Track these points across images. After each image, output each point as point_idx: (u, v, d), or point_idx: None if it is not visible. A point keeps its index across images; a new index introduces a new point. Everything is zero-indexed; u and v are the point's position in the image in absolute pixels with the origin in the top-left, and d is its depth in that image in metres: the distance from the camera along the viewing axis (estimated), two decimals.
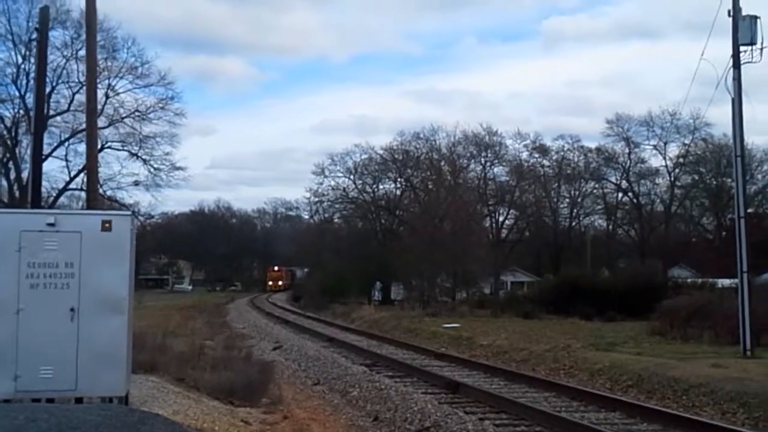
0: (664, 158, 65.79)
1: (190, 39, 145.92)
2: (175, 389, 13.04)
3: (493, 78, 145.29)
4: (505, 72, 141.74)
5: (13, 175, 42.54)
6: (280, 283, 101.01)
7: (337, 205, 71.00)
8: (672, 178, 66.11)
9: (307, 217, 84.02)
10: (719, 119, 70.35)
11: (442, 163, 64.20)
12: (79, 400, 9.58)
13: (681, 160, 65.00)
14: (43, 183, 38.74)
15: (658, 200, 68.70)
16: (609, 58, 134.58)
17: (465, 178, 63.60)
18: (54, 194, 43.32)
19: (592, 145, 69.83)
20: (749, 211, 48.70)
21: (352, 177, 68.35)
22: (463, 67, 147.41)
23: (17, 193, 40.26)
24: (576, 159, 69.75)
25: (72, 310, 9.54)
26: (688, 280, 42.46)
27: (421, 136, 65.48)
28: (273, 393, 15.07)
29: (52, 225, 9.62)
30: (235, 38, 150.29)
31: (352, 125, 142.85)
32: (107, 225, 9.73)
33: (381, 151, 67.03)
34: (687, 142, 64.22)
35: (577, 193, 69.61)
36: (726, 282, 33.02)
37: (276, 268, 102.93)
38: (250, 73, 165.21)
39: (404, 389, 14.47)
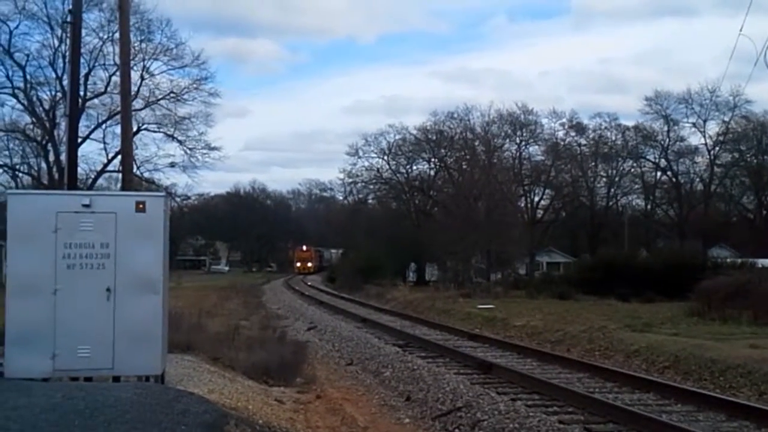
0: (704, 136, 64.76)
1: (220, 22, 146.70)
2: (211, 368, 13.23)
3: (523, 56, 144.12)
4: (535, 50, 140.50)
5: (52, 158, 43.29)
6: (309, 264, 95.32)
7: (371, 186, 71.20)
8: (712, 157, 65.02)
9: (341, 198, 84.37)
10: (760, 96, 69.00)
11: (477, 143, 63.86)
12: (116, 379, 9.78)
13: (721, 138, 63.86)
14: (82, 165, 39.60)
15: (698, 179, 67.68)
16: (641, 36, 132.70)
17: (500, 157, 63.17)
18: (92, 176, 44.07)
19: (629, 123, 68.97)
20: None
21: (385, 157, 68.49)
22: (494, 45, 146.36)
23: (56, 176, 40.93)
24: (613, 137, 68.96)
25: (108, 290, 9.70)
26: (728, 260, 41.80)
27: (455, 115, 65.31)
28: (307, 373, 15.23)
29: (87, 206, 9.78)
30: (265, 20, 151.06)
31: (383, 106, 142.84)
32: (141, 206, 9.86)
33: (415, 132, 67.08)
34: (727, 119, 63.13)
35: (614, 172, 68.78)
36: (766, 262, 32.46)
37: (305, 247, 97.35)
38: (280, 55, 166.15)
39: (437, 370, 14.51)
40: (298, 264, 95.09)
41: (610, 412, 10.32)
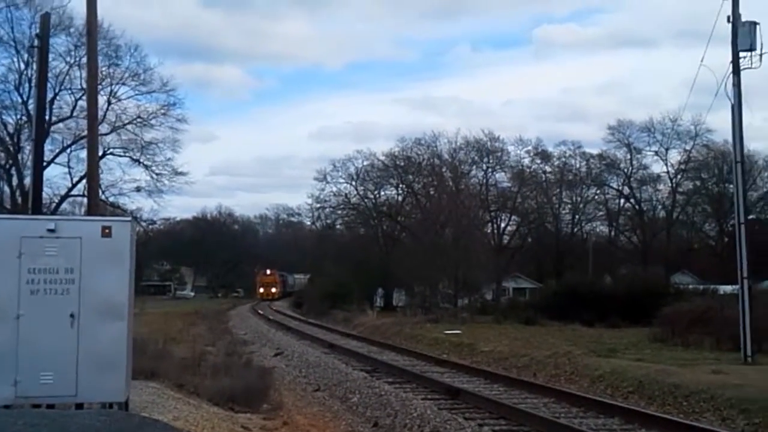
0: (666, 164, 65.96)
1: (186, 47, 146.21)
2: (176, 395, 13.07)
3: (487, 85, 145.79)
4: (499, 79, 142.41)
5: (15, 182, 42.61)
6: (273, 290, 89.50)
7: (339, 212, 71.22)
8: (673, 184, 66.19)
9: (309, 223, 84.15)
10: (720, 125, 70.61)
11: (444, 169, 64.33)
12: (79, 406, 9.59)
13: (682, 166, 65.08)
14: (46, 189, 38.97)
15: (660, 206, 68.81)
16: (602, 66, 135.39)
17: (467, 184, 63.69)
18: (56, 201, 43.43)
19: (593, 151, 70.05)
20: (750, 217, 48.75)
21: (353, 183, 68.67)
22: (458, 74, 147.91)
23: (19, 200, 40.32)
24: (577, 165, 69.95)
25: (72, 315, 9.56)
26: (690, 287, 42.46)
27: (422, 142, 65.79)
28: (273, 399, 15.09)
29: (52, 231, 9.65)
30: (231, 46, 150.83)
31: (350, 132, 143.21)
32: (107, 231, 9.76)
33: (382, 157, 67.37)
34: (688, 148, 64.39)
35: (578, 199, 69.68)
36: (728, 288, 33.00)
37: (268, 271, 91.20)
38: (246, 81, 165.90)
39: (404, 395, 14.48)
40: (261, 290, 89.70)
41: None
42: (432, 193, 62.51)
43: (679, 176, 65.85)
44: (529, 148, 68.34)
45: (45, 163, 42.27)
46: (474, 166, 66.19)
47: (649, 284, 39.40)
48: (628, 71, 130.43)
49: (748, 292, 19.51)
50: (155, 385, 13.46)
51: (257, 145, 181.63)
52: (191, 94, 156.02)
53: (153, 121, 45.39)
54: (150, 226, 54.62)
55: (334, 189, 68.43)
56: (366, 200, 69.07)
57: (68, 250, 9.61)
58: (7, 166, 43.71)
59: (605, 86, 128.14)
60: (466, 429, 10.97)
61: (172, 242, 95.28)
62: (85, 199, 18.17)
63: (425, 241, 52.89)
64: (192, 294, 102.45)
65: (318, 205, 70.27)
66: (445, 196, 58.37)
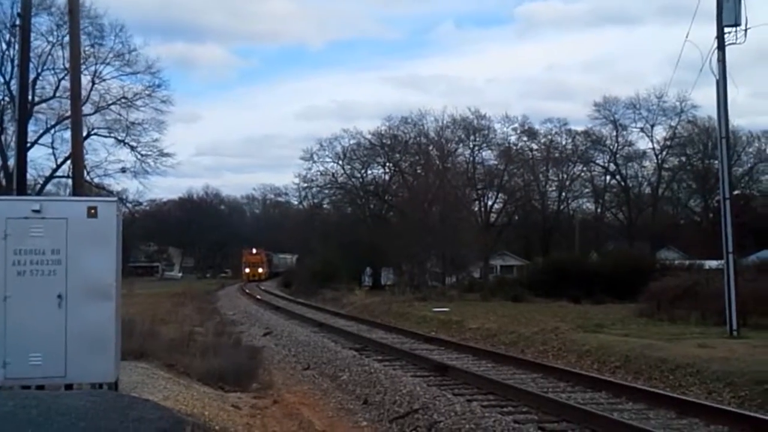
0: (651, 141, 66.27)
1: (169, 26, 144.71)
2: (165, 375, 13.07)
3: (472, 63, 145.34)
4: (483, 57, 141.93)
5: None
6: (260, 270, 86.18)
7: (326, 191, 71.15)
8: (659, 161, 66.51)
9: (296, 203, 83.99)
10: (705, 102, 70.74)
11: (431, 148, 64.31)
12: (68, 387, 9.59)
13: (668, 142, 65.39)
14: (30, 171, 38.67)
15: (646, 183, 69.20)
16: (586, 44, 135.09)
17: (453, 162, 63.74)
18: (41, 182, 43.14)
19: (579, 128, 70.21)
20: (735, 192, 49.11)
21: (340, 162, 68.58)
22: (443, 52, 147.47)
23: (3, 181, 39.99)
24: (564, 142, 70.17)
25: (59, 296, 9.52)
26: (676, 262, 42.78)
27: (409, 120, 65.75)
28: (263, 378, 15.13)
29: (37, 212, 9.58)
30: (214, 25, 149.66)
31: (335, 111, 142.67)
32: (93, 211, 9.70)
33: (369, 136, 67.24)
34: (673, 124, 64.68)
35: (565, 176, 69.97)
36: (713, 263, 33.28)
37: (254, 250, 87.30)
38: (230, 60, 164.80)
39: (393, 372, 14.56)
40: (247, 270, 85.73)
41: (563, 411, 10.47)
42: (419, 171, 62.52)
43: (664, 152, 66.21)
44: (516, 125, 68.57)
45: (29, 144, 42.04)
46: (461, 144, 66.32)
47: (635, 260, 39.71)
48: (612, 48, 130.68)
49: (733, 267, 19.68)
50: (145, 366, 13.45)
51: (243, 125, 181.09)
52: (175, 74, 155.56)
53: (138, 102, 45.11)
54: (136, 208, 54.39)
55: (321, 168, 68.43)
56: (353, 179, 69.04)
57: (54, 231, 9.55)
58: None
59: (590, 63, 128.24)
60: (455, 405, 11.04)
61: (158, 223, 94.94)
62: (70, 181, 18.06)
63: (413, 220, 52.97)
64: (180, 275, 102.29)
65: (305, 185, 70.28)
66: (432, 175, 58.41)
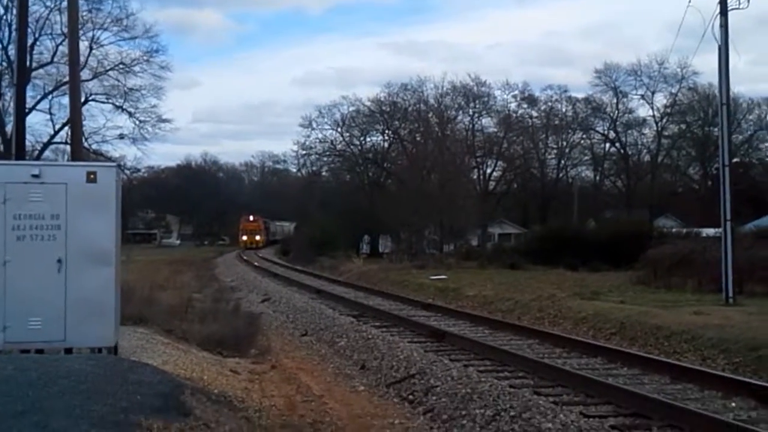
0: (652, 108, 65.94)
1: None
2: (164, 340, 13.20)
3: (472, 29, 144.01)
4: (483, 23, 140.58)
5: None
6: (257, 237, 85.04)
7: (324, 158, 71.00)
8: (659, 128, 66.28)
9: (295, 170, 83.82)
10: (705, 68, 70.18)
11: (430, 115, 64.04)
12: (68, 351, 9.69)
13: (668, 109, 65.08)
14: (28, 137, 38.06)
15: (645, 150, 68.99)
16: (586, 9, 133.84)
17: (453, 129, 63.54)
18: (39, 148, 43.01)
19: (580, 95, 69.88)
20: (734, 160, 49.04)
21: (339, 129, 68.38)
22: (442, 18, 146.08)
23: (2, 147, 39.89)
24: (564, 109, 69.86)
25: (59, 261, 9.59)
26: (673, 230, 42.88)
27: (409, 87, 65.31)
28: (261, 344, 15.28)
29: (36, 176, 9.62)
30: None
31: (334, 77, 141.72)
32: (92, 176, 9.73)
33: (368, 103, 66.88)
34: (674, 91, 64.32)
35: (564, 144, 69.76)
36: (711, 231, 33.37)
37: (251, 217, 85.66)
38: (227, 25, 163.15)
39: (391, 338, 14.69)
40: (245, 237, 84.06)
41: (559, 376, 10.61)
42: (418, 139, 62.34)
43: (664, 120, 65.94)
44: (516, 92, 68.20)
45: (27, 110, 41.87)
46: (460, 112, 66.04)
47: (633, 228, 39.73)
48: (612, 14, 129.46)
49: (730, 235, 19.76)
50: (144, 331, 13.58)
51: (241, 91, 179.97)
52: (172, 40, 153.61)
53: (136, 68, 44.77)
54: (134, 174, 54.35)
55: (320, 135, 68.21)
56: (352, 147, 68.89)
57: (53, 196, 9.59)
58: None
59: (590, 29, 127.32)
60: (451, 370, 11.18)
61: (157, 190, 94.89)
62: (68, 147, 18.03)
63: (411, 188, 52.92)
64: (178, 242, 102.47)
65: (303, 152, 70.07)
66: (432, 142, 58.27)
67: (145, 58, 44.82)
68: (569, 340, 14.32)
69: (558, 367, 11.25)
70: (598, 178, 72.12)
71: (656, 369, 11.36)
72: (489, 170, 67.59)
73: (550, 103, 69.17)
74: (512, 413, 8.80)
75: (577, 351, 13.23)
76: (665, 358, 12.87)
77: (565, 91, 69.78)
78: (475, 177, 65.10)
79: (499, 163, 67.48)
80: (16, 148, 14.42)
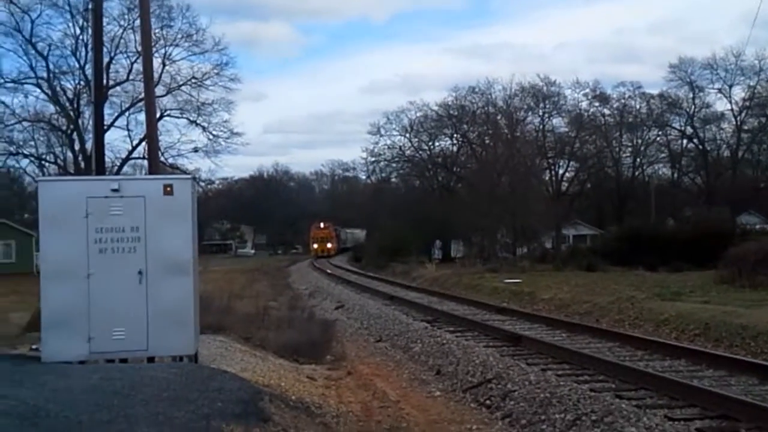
0: (730, 102, 63.86)
1: (233, 5, 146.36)
2: (242, 348, 13.45)
3: (538, 29, 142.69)
4: (549, 22, 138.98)
5: (77, 147, 43.86)
6: (329, 245, 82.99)
7: (393, 164, 71.18)
8: (738, 122, 64.12)
9: (364, 177, 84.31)
10: None
11: (499, 117, 63.57)
12: (150, 360, 9.96)
13: (747, 103, 62.89)
14: (107, 153, 39.38)
15: (725, 146, 66.86)
16: (655, 4, 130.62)
17: (523, 131, 62.88)
18: (118, 164, 44.57)
19: (653, 92, 68.14)
20: None
21: (407, 135, 68.48)
22: (507, 19, 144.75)
23: (83, 164, 41.46)
24: (638, 106, 68.27)
25: (140, 272, 9.86)
26: (757, 227, 41.50)
27: (476, 90, 64.98)
28: (336, 350, 15.41)
29: (116, 191, 9.91)
30: (277, 2, 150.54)
31: (399, 84, 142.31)
32: (169, 189, 9.98)
33: (436, 108, 66.85)
34: (752, 84, 62.13)
35: (639, 141, 68.17)
36: None
37: (322, 224, 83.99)
38: (294, 37, 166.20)
39: (466, 343, 14.60)
40: (315, 245, 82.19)
41: (641, 379, 10.35)
42: (487, 141, 61.97)
43: (743, 113, 63.73)
44: (587, 90, 66.99)
45: (105, 127, 43.40)
46: (530, 113, 65.27)
47: (714, 226, 38.57)
48: (682, 8, 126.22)
49: None
50: (222, 339, 13.86)
51: (308, 101, 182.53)
52: (240, 54, 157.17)
53: (207, 82, 45.97)
54: (209, 186, 55.74)
55: (388, 142, 68.45)
56: (420, 152, 68.93)
57: (133, 209, 9.87)
58: (69, 131, 44.99)
59: (659, 25, 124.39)
60: (529, 374, 11.03)
61: (231, 201, 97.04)
62: (146, 161, 18.65)
63: (482, 191, 52.62)
64: (252, 251, 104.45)
65: (372, 159, 70.39)
66: (501, 144, 57.84)
67: (215, 71, 46.10)
68: (651, 342, 13.96)
69: (640, 369, 10.98)
70: (675, 175, 70.25)
71: (743, 370, 10.97)
72: (561, 171, 66.62)
73: (623, 101, 67.80)
74: (593, 417, 8.62)
75: (659, 353, 12.88)
76: (752, 358, 12.40)
77: (639, 87, 68.32)
78: (547, 178, 64.27)
79: (572, 163, 66.41)
80: (96, 164, 14.93)
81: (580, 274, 33.50)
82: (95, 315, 9.76)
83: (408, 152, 69.08)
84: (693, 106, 65.23)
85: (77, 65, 42.96)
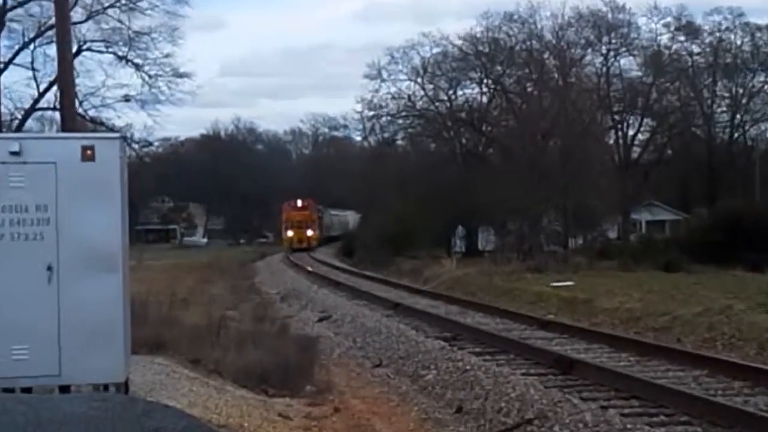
0: None
1: None
2: (190, 374, 13.52)
3: None
4: None
5: None
6: (309, 233, 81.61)
7: (400, 121, 71.21)
8: None
9: (359, 139, 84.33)
10: None
11: (546, 56, 63.49)
12: (64, 389, 9.93)
13: None
14: (4, 102, 40.01)
15: None
16: None
17: (579, 75, 62.92)
18: (19, 116, 44.38)
19: (760, 22, 67.92)
20: None
21: (419, 80, 68.49)
22: None
23: None
24: (738, 42, 68.05)
25: (49, 268, 9.82)
26: None
27: (515, 17, 64.78)
28: (320, 378, 15.47)
29: (16, 154, 9.78)
30: None
31: (408, 9, 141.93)
32: (89, 152, 9.92)
33: (459, 42, 66.66)
34: None
35: (740, 91, 68.06)
36: None
37: (300, 203, 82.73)
38: None
39: (497, 370, 14.65)
40: (290, 233, 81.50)
41: (739, 420, 10.39)
42: (530, 89, 61.91)
43: None
44: (668, 20, 66.89)
45: (2, 65, 43.29)
46: (589, 50, 65.26)
47: None
48: None
49: None
50: (163, 362, 13.92)
51: (282, 33, 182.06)
52: None
53: (143, 4, 45.64)
54: (144, 149, 55.56)
55: (393, 90, 68.53)
56: (437, 103, 68.87)
57: (39, 181, 9.79)
58: None
59: None
60: (584, 413, 11.07)
61: (175, 171, 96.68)
62: (58, 114, 18.62)
63: (522, 159, 52.66)
64: (205, 240, 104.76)
65: (371, 114, 70.50)
66: (549, 94, 57.83)
67: None
68: (754, 369, 14.00)
69: (738, 408, 11.03)
70: None
71: None
72: (632, 131, 66.66)
73: (717, 34, 67.60)
74: None
75: (763, 385, 12.93)
76: None
77: (740, 15, 67.98)
78: (612, 141, 64.32)
79: (646, 120, 66.48)
80: None
81: (655, 276, 33.62)
82: None
83: (420, 104, 69.20)
84: None
85: None
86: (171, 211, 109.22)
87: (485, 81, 67.68)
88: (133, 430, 7.84)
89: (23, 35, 44.34)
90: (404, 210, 59.76)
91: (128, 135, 45.27)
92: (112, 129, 42.77)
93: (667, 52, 66.97)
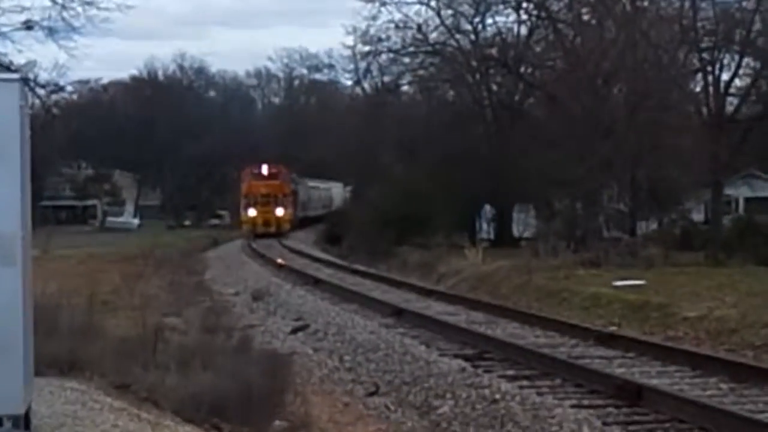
0: None
1: None
2: (115, 404, 13.55)
3: None
4: None
5: None
6: (279, 212, 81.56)
7: (406, 60, 71.08)
8: None
9: (349, 83, 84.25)
10: None
11: None
12: None
13: None
14: None
15: None
16: None
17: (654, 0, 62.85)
18: None
19: None
20: None
21: (434, 3, 68.19)
22: None
23: None
24: None
25: None
26: None
27: None
28: (293, 411, 15.56)
29: None
30: None
31: None
32: None
33: None
34: None
35: None
36: None
37: (266, 170, 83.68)
38: None
39: (538, 400, 14.73)
40: (252, 212, 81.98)
41: None
42: (587, 18, 61.85)
43: None
44: None
45: None
46: None
47: None
48: None
49: None
50: (78, 387, 13.95)
51: None
52: None
53: None
54: (54, 95, 55.47)
55: (397, 16, 68.30)
56: (459, 36, 68.75)
57: None
58: None
59: None
60: None
61: (96, 127, 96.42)
62: None
63: (574, 113, 52.66)
64: (136, 222, 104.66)
65: (366, 50, 70.32)
66: (613, 24, 57.73)
67: None
68: None
69: None
70: None
71: None
72: (726, 76, 66.59)
73: None
74: None
75: None
76: None
77: None
78: (699, 89, 64.28)
79: (747, 61, 66.38)
80: None
81: (757, 273, 33.66)
82: None
83: (434, 36, 69.06)
84: None
85: None
86: (90, 181, 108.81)
87: (524, 5, 67.64)
88: None
89: None
90: (412, 182, 59.82)
91: (31, 76, 45.24)
92: (8, 68, 42.77)
93: None
